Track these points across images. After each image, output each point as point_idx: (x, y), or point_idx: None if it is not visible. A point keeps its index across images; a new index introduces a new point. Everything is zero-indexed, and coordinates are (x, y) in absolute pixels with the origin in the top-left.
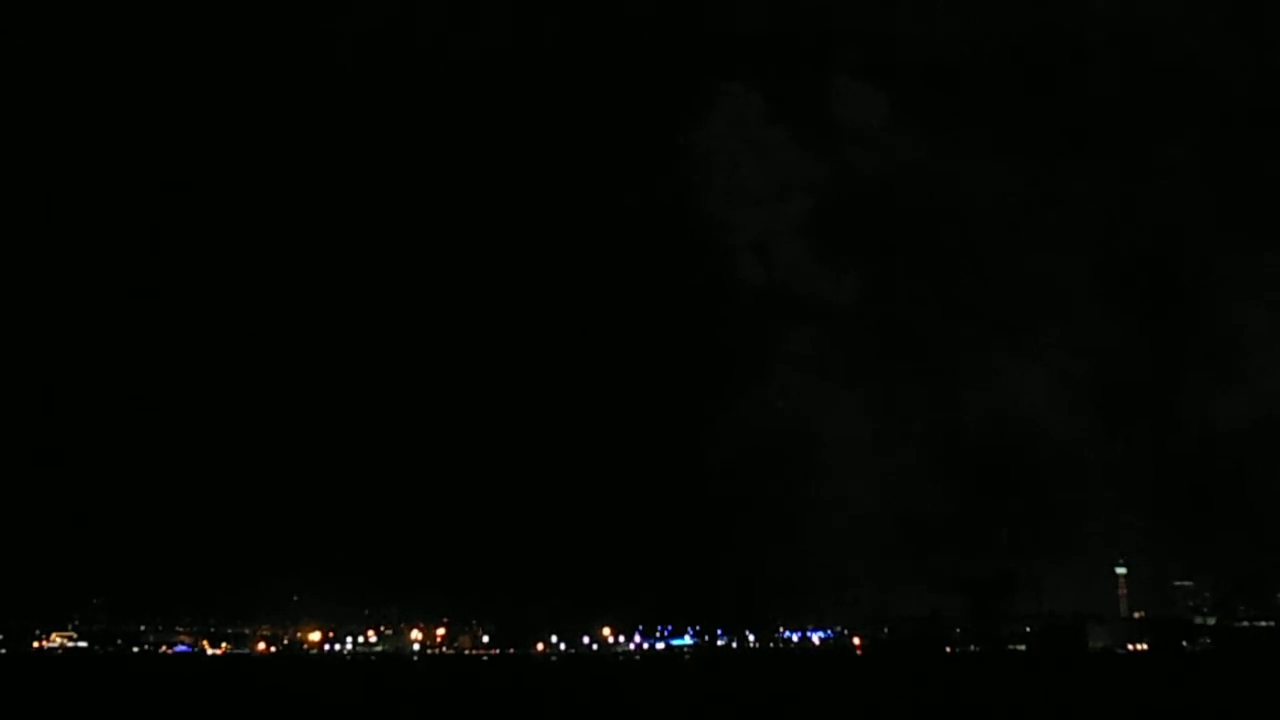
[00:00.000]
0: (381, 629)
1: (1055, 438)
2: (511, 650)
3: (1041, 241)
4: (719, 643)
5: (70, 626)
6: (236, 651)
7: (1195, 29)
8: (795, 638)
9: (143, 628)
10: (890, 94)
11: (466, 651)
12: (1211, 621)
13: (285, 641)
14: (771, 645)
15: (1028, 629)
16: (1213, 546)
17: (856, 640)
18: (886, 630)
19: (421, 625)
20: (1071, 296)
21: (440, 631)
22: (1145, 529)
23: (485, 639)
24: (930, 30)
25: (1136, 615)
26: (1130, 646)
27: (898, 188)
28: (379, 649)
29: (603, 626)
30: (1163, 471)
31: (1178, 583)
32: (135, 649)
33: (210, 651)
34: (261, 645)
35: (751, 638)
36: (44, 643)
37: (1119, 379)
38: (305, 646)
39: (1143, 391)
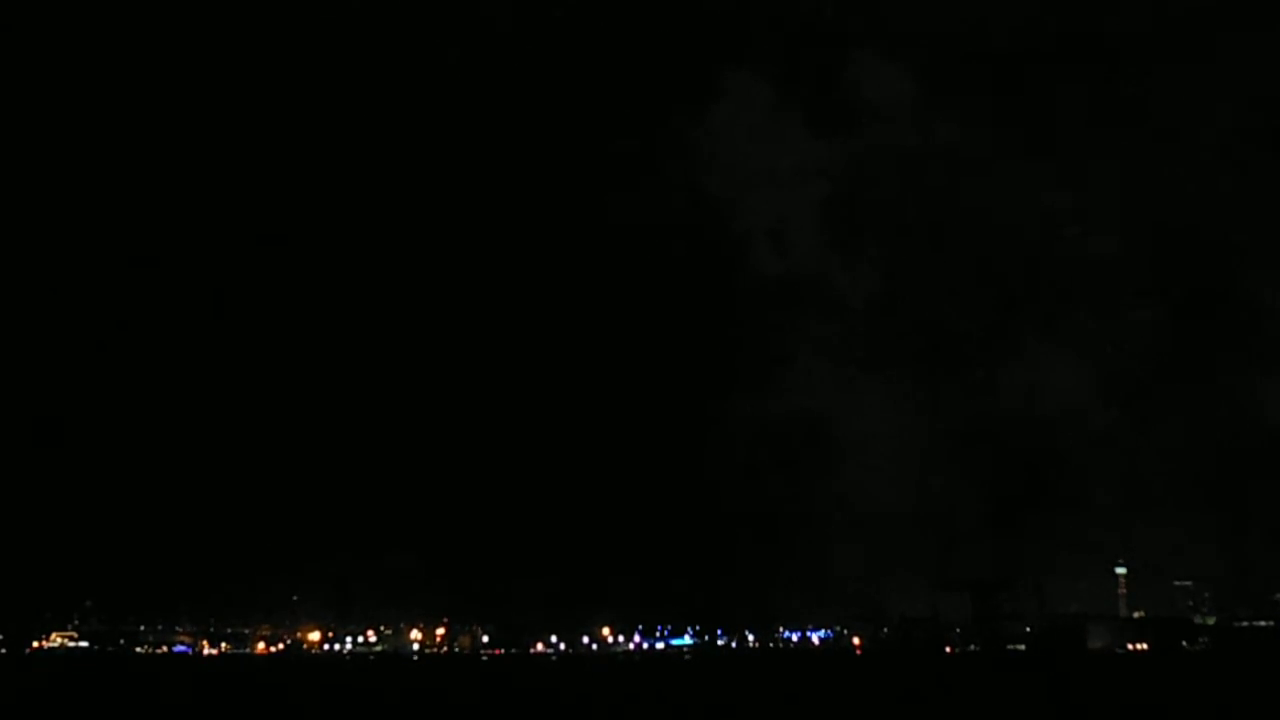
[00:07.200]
0: (381, 629)
1: (1065, 436)
2: (511, 650)
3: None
4: (719, 642)
5: (70, 626)
6: (236, 651)
7: (1229, 9)
8: (795, 637)
9: (142, 628)
10: (915, 72)
11: (465, 651)
12: (1211, 621)
13: (285, 641)
14: (771, 645)
15: (1028, 629)
16: (1213, 546)
17: (856, 640)
18: (886, 630)
19: (421, 625)
20: (1101, 286)
21: (440, 631)
22: (1146, 528)
23: (485, 639)
24: (958, 7)
25: (1136, 615)
26: (1130, 646)
27: (922, 169)
28: (379, 649)
29: (602, 626)
30: (1169, 470)
31: (1178, 583)
32: (135, 649)
33: (208, 651)
34: (261, 645)
35: (751, 637)
36: (44, 643)
37: (1141, 373)
38: (305, 646)
39: (1165, 386)
